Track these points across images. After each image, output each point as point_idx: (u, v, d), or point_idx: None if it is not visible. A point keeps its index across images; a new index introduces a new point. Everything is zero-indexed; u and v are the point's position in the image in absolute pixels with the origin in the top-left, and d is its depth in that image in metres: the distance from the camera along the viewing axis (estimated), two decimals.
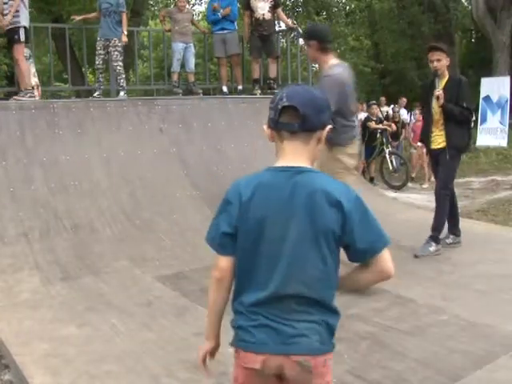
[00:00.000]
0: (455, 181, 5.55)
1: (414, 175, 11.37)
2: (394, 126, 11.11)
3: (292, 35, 9.83)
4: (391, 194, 9.31)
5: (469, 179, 11.03)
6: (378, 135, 10.87)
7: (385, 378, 2.95)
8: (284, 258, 1.63)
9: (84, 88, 8.18)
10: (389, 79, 22.45)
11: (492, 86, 14.73)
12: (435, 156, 5.35)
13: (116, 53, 7.37)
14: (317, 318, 1.65)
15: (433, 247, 5.16)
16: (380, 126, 10.95)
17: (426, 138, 5.45)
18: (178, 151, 6.71)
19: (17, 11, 6.45)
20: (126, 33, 7.51)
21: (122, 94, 7.45)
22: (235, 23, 8.72)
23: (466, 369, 3.00)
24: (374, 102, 11.96)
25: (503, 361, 3.10)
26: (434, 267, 4.79)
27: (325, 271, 1.65)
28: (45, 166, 5.81)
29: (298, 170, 1.67)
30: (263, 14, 8.27)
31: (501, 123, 14.41)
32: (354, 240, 1.64)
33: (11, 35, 6.57)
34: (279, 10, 8.72)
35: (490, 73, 16.12)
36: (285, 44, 11.59)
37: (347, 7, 21.71)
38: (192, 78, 8.54)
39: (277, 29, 9.49)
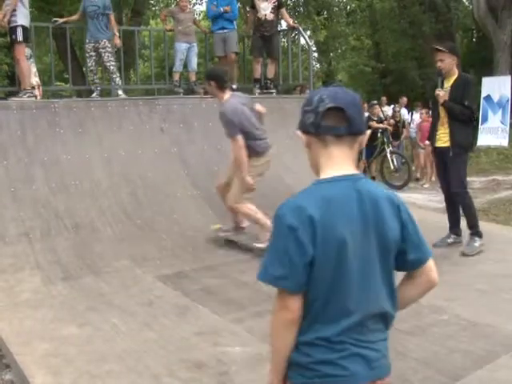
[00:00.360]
0: None
1: (418, 175, 11.37)
2: (391, 123, 11.10)
3: (293, 35, 9.82)
4: None
5: (470, 179, 10.95)
6: (379, 135, 10.87)
7: None
8: (369, 277, 1.52)
9: (85, 88, 8.17)
10: (390, 79, 22.42)
11: (493, 86, 14.72)
12: (439, 154, 5.38)
13: (107, 54, 7.43)
14: (386, 334, 1.59)
15: (477, 242, 5.23)
16: (381, 125, 10.95)
17: (431, 135, 5.50)
18: (178, 151, 6.72)
19: (14, 10, 6.45)
20: (117, 34, 7.56)
21: (120, 92, 7.48)
22: (235, 23, 8.72)
23: (467, 368, 3.00)
24: (376, 102, 11.96)
25: (504, 360, 3.10)
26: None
27: (392, 283, 1.58)
28: (46, 165, 5.82)
29: (354, 178, 1.54)
30: (265, 15, 8.32)
31: (502, 123, 14.39)
32: (406, 249, 1.56)
33: (10, 35, 6.57)
34: (283, 10, 8.76)
35: (491, 72, 16.10)
36: (286, 44, 11.59)
37: (348, 7, 21.68)
38: (194, 78, 8.55)
39: (278, 28, 9.49)
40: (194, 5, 19.99)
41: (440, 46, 5.36)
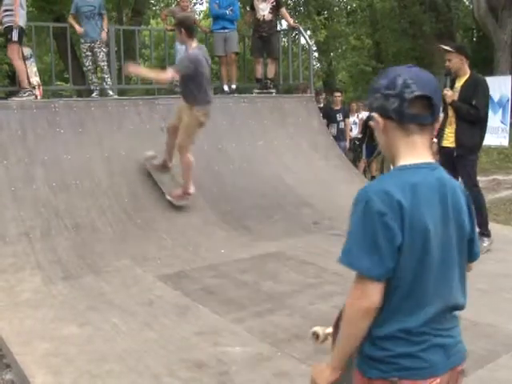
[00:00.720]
0: None
1: None
2: None
3: (293, 34, 9.83)
4: None
5: None
6: None
7: None
8: (449, 267, 1.51)
9: (85, 87, 8.17)
10: None
11: (493, 86, 14.61)
12: (446, 153, 5.36)
13: (102, 53, 7.52)
14: (458, 320, 1.60)
15: (486, 242, 5.23)
16: None
17: (438, 134, 5.47)
18: None
19: (11, 10, 6.44)
20: (106, 30, 7.63)
21: (111, 92, 7.55)
22: (235, 23, 8.74)
23: (468, 368, 2.99)
24: None
25: (505, 360, 3.10)
26: None
27: (465, 274, 1.59)
28: (46, 165, 5.82)
29: (433, 167, 1.52)
30: (264, 15, 8.38)
31: (502, 122, 14.38)
32: (474, 240, 1.58)
33: (5, 34, 6.56)
34: (283, 10, 8.78)
35: (491, 72, 16.08)
36: (286, 43, 11.59)
37: (348, 6, 21.70)
38: None
39: (278, 28, 9.51)
40: (195, 5, 20.00)
41: (447, 46, 5.35)
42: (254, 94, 8.58)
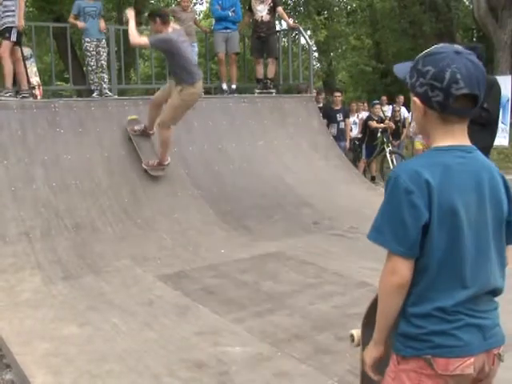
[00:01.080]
0: None
1: None
2: (391, 124, 11.10)
3: (293, 34, 9.84)
4: None
5: None
6: (379, 134, 10.87)
7: None
8: (485, 250, 1.50)
9: (85, 87, 8.17)
10: (390, 78, 22.38)
11: None
12: None
13: (105, 54, 7.61)
14: (497, 304, 1.57)
15: None
16: (381, 125, 10.95)
17: None
18: (179, 150, 6.72)
19: (13, 11, 6.46)
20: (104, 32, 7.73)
21: (109, 92, 7.58)
22: (237, 24, 8.76)
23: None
24: (378, 101, 11.95)
25: (505, 360, 3.09)
26: None
27: (505, 257, 1.56)
28: (46, 165, 5.82)
29: (470, 149, 1.53)
30: (262, 16, 8.47)
31: (502, 122, 14.35)
32: (510, 223, 1.56)
33: (3, 32, 6.53)
34: (280, 9, 8.80)
35: (491, 72, 16.06)
36: (286, 43, 11.59)
37: (348, 6, 21.67)
38: None
39: (278, 28, 9.54)
40: (195, 5, 19.98)
41: (464, 45, 5.31)
42: (255, 94, 8.61)
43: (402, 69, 1.59)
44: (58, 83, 14.37)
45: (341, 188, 7.20)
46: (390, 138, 11.11)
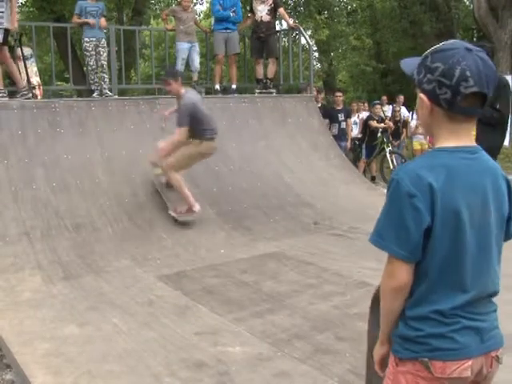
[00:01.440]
0: None
1: None
2: (391, 124, 11.10)
3: (294, 34, 9.84)
4: None
5: None
6: (379, 134, 10.87)
7: None
8: (487, 253, 1.49)
9: (85, 87, 8.18)
10: (390, 78, 22.40)
11: None
12: None
13: (105, 53, 7.60)
14: (495, 305, 1.56)
15: None
16: (381, 125, 10.95)
17: None
18: None
19: (1, 12, 6.44)
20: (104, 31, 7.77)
21: (109, 92, 7.58)
22: (237, 24, 8.77)
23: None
24: (378, 101, 11.95)
25: (505, 360, 3.09)
26: None
27: (500, 259, 1.54)
28: (46, 165, 5.83)
29: (474, 150, 1.49)
30: (261, 16, 8.50)
31: None
32: (510, 220, 1.55)
33: None
34: (281, 10, 8.82)
35: None
36: (287, 43, 11.60)
37: (349, 6, 21.66)
38: (195, 78, 8.59)
39: (278, 29, 9.55)
40: (195, 4, 19.99)
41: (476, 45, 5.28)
42: (255, 94, 8.62)
43: (409, 64, 1.55)
44: (59, 83, 14.38)
45: (341, 188, 7.20)
46: (390, 138, 11.12)
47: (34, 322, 3.81)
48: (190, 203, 5.82)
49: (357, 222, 6.11)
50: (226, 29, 8.47)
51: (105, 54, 7.59)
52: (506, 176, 1.56)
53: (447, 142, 1.49)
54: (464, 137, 1.49)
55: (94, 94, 7.51)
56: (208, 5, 20.44)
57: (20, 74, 6.98)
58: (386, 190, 1.58)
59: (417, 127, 11.75)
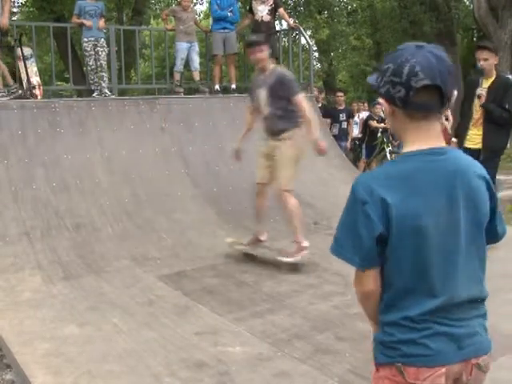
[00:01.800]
0: None
1: None
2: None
3: (294, 34, 9.84)
4: None
5: None
6: (379, 134, 10.87)
7: None
8: (458, 257, 1.45)
9: (85, 87, 8.18)
10: None
11: None
12: (469, 155, 5.29)
13: (104, 53, 7.61)
14: (481, 311, 1.53)
15: None
16: (381, 125, 10.95)
17: (462, 135, 5.34)
18: (179, 150, 6.72)
19: None
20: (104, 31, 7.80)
21: (108, 92, 7.58)
22: (235, 24, 8.78)
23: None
24: (378, 101, 11.96)
25: (504, 361, 3.10)
26: None
27: (485, 260, 1.52)
28: (46, 165, 5.82)
29: (441, 151, 1.47)
30: (262, 16, 8.49)
31: None
32: (496, 221, 1.54)
33: None
34: (281, 10, 8.83)
35: None
36: (287, 43, 11.60)
37: (349, 6, 21.67)
38: (197, 77, 8.59)
39: (278, 28, 9.54)
40: (195, 5, 19.99)
41: (488, 44, 5.25)
42: None
43: (372, 77, 1.57)
44: (59, 83, 14.38)
45: (341, 188, 7.18)
46: (390, 138, 11.12)
47: (34, 322, 3.81)
48: (298, 239, 4.85)
49: None
50: (224, 28, 8.47)
51: (104, 54, 7.58)
52: (485, 175, 1.52)
53: (413, 145, 1.47)
54: (429, 138, 1.47)
55: (94, 94, 7.51)
56: (208, 5, 20.43)
57: (20, 74, 6.99)
58: None
59: None
